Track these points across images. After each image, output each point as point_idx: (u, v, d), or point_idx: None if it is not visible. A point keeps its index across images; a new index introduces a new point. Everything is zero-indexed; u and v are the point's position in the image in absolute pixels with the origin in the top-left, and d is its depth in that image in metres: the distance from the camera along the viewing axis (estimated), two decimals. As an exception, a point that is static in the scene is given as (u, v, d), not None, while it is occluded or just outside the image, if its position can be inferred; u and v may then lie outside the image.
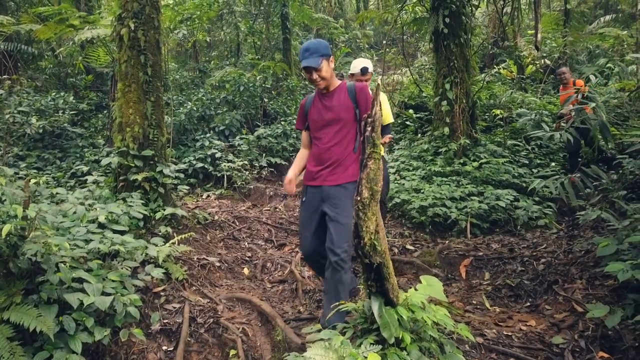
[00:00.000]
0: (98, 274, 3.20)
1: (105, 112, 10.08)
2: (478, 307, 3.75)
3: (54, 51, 11.83)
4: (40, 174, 6.11)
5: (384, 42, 15.41)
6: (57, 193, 3.96)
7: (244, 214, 6.45)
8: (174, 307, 3.63)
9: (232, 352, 3.23)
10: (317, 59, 2.87)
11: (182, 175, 6.91)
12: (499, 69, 11.07)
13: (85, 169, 6.05)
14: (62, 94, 9.24)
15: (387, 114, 4.25)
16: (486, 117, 9.50)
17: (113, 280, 3.22)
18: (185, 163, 8.10)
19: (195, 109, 9.74)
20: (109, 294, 3.02)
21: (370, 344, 2.32)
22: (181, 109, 9.71)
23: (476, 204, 5.76)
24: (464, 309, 3.68)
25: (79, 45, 9.86)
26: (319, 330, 2.69)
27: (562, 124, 7.03)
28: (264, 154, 9.18)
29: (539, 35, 10.24)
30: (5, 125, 6.30)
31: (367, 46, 19.52)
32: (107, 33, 8.54)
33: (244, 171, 8.34)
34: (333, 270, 2.93)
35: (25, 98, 7.17)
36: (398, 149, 8.59)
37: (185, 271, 4.06)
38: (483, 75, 10.81)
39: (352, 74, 4.29)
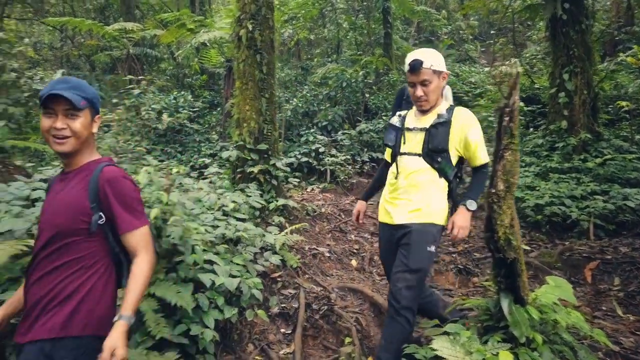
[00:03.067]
0: (225, 257, 3.47)
1: (218, 109, 10.79)
2: (608, 313, 3.46)
3: (172, 54, 12.90)
4: (168, 165, 6.74)
5: (492, 32, 14.65)
6: (186, 183, 4.33)
7: (348, 207, 6.56)
8: (290, 293, 3.81)
9: (347, 339, 3.32)
10: (78, 97, 1.74)
11: (288, 169, 7.22)
12: (625, 56, 10.01)
13: (207, 161, 6.57)
14: (182, 93, 10.08)
15: (475, 151, 2.53)
16: (609, 109, 8.67)
17: (237, 264, 3.47)
18: (291, 157, 8.41)
19: (299, 105, 10.06)
20: (235, 276, 3.26)
21: (497, 341, 2.26)
22: (287, 105, 10.08)
23: (600, 204, 5.29)
24: (592, 315, 3.42)
25: (195, 47, 10.64)
26: (437, 325, 2.68)
27: None
28: (365, 149, 9.24)
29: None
30: (142, 121, 7.08)
31: (471, 37, 18.70)
32: (221, 35, 9.13)
33: (347, 165, 8.47)
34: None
35: (152, 97, 7.97)
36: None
37: (299, 259, 4.23)
38: (606, 64, 9.85)
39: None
